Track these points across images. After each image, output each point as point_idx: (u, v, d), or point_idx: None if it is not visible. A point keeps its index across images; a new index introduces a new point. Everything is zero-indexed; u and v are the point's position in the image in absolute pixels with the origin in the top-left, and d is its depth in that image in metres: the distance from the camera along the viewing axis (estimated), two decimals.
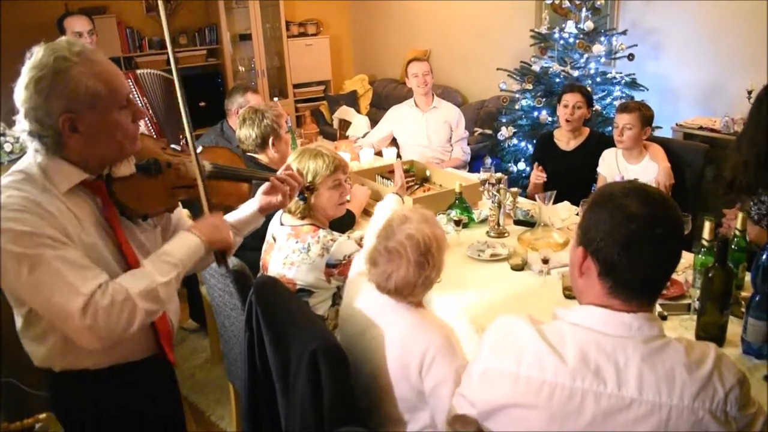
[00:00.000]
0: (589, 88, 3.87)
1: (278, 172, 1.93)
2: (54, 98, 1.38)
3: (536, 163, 3.38)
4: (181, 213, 1.84)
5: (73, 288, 1.34)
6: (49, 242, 1.35)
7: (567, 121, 3.52)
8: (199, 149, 1.83)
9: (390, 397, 1.72)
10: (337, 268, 2.19)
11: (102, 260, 1.46)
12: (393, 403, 1.71)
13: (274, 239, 2.31)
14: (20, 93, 1.41)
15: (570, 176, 3.46)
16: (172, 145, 3.65)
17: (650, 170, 3.19)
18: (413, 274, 1.62)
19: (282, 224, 2.30)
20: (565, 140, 3.64)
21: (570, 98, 3.51)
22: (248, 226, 1.89)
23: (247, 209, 1.87)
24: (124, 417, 1.62)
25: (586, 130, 3.64)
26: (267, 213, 1.91)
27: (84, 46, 1.44)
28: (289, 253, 2.22)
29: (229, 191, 1.80)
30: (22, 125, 1.44)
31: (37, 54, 1.41)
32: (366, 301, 1.80)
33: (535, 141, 4.17)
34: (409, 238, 1.62)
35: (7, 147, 3.07)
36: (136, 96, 3.48)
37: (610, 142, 3.45)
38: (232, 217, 1.85)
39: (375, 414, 1.80)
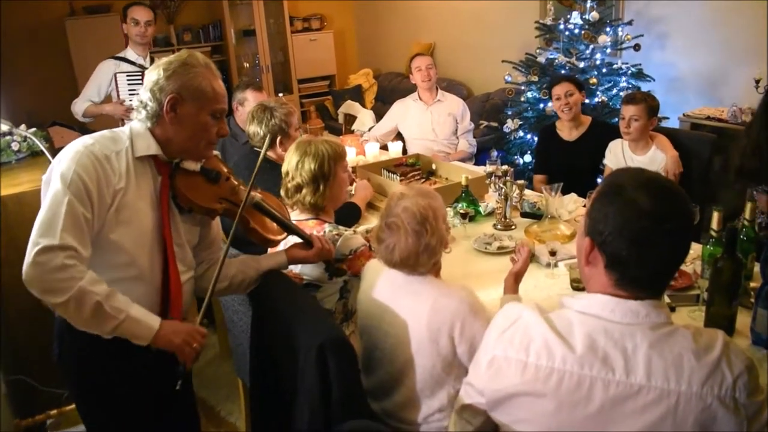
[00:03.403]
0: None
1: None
2: (173, 79, 1.70)
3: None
4: (218, 235, 2.08)
5: (57, 231, 1.52)
6: (81, 194, 1.58)
7: (564, 111, 3.52)
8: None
9: (410, 376, 1.76)
10: (343, 263, 2.19)
11: (135, 220, 1.70)
12: (412, 382, 1.76)
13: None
14: (151, 71, 1.74)
15: (574, 167, 3.45)
16: None
17: (657, 161, 3.18)
18: (413, 243, 1.71)
19: None
20: (567, 131, 3.63)
21: (559, 89, 3.52)
22: (273, 264, 2.08)
23: (278, 258, 2.08)
24: (124, 389, 1.76)
25: (588, 119, 3.63)
26: (293, 264, 2.11)
27: (212, 63, 1.79)
28: None
29: (267, 225, 2.03)
30: (139, 96, 1.76)
31: (178, 53, 1.78)
32: (386, 282, 1.85)
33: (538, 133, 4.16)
34: (405, 211, 1.73)
35: (15, 146, 3.07)
36: None
37: (613, 130, 3.46)
38: (263, 257, 2.08)
39: (391, 399, 1.83)
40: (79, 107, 4.02)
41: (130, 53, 4.05)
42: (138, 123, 1.76)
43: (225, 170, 1.95)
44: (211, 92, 1.74)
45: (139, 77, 3.85)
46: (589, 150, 3.53)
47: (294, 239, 2.12)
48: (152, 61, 4.00)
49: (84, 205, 1.57)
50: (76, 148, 1.64)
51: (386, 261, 1.77)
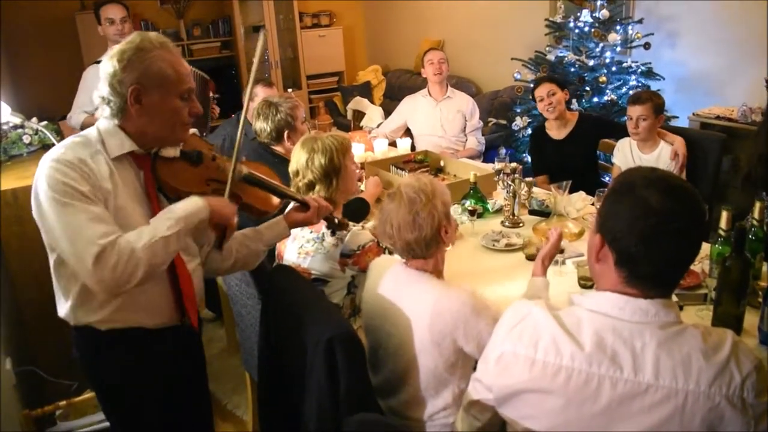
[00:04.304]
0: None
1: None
2: (130, 69, 1.58)
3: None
4: None
5: (90, 237, 1.47)
6: (80, 196, 1.51)
7: (548, 110, 3.53)
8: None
9: (413, 376, 1.77)
10: (351, 258, 2.20)
11: (130, 223, 1.59)
12: (416, 381, 1.77)
13: None
14: (106, 63, 1.62)
15: (568, 165, 3.44)
16: None
17: (664, 158, 3.18)
18: (405, 211, 1.74)
19: None
20: (556, 130, 3.64)
21: (541, 90, 3.53)
22: (277, 238, 2.04)
23: (279, 225, 2.01)
24: (146, 383, 1.75)
25: (575, 116, 3.63)
26: (294, 228, 2.05)
27: (168, 41, 1.67)
28: (304, 243, 2.23)
29: (260, 196, 1.93)
30: (99, 92, 1.64)
31: (129, 38, 1.65)
32: (389, 282, 1.85)
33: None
34: (406, 185, 1.78)
35: (26, 139, 3.10)
36: None
37: (600, 123, 3.55)
38: (264, 228, 2.00)
39: (396, 397, 1.84)
40: (75, 120, 3.88)
41: None
42: (105, 121, 1.66)
43: (207, 149, 1.87)
44: (174, 74, 1.63)
45: None
46: (580, 146, 3.55)
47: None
48: None
49: (91, 202, 1.52)
50: (48, 164, 1.55)
51: (380, 235, 1.82)
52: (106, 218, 1.53)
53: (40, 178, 1.54)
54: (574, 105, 4.35)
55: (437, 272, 1.86)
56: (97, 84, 1.63)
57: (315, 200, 2.03)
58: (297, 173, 2.26)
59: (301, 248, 2.23)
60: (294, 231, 2.28)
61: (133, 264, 1.49)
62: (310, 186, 2.23)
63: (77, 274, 1.56)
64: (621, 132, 3.36)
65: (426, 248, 1.78)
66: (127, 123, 1.65)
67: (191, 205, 1.63)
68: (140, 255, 1.50)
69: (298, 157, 2.26)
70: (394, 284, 1.84)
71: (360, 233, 2.22)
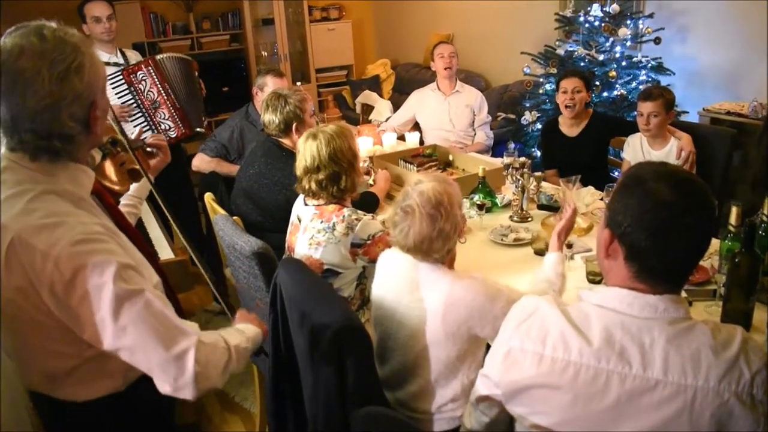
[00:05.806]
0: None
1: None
2: (90, 85, 1.26)
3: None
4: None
5: (180, 328, 1.26)
6: (138, 277, 1.24)
7: (567, 107, 3.50)
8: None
9: (424, 367, 1.78)
10: (362, 248, 2.20)
11: (141, 261, 1.38)
12: (426, 372, 1.78)
13: (299, 220, 2.33)
14: (45, 87, 1.20)
15: (578, 162, 3.42)
16: (198, 128, 3.61)
17: (674, 154, 3.16)
18: (427, 227, 1.70)
19: (306, 204, 2.32)
20: (568, 127, 3.62)
21: (568, 83, 3.49)
22: (145, 191, 1.91)
23: (144, 182, 1.88)
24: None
25: (589, 113, 3.61)
26: (155, 174, 1.93)
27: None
28: (315, 234, 2.23)
29: (147, 162, 1.85)
30: (51, 129, 1.23)
31: (48, 41, 1.23)
32: (400, 272, 1.86)
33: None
34: (420, 195, 1.72)
35: None
36: (157, 82, 3.48)
37: (612, 122, 3.53)
38: (138, 192, 1.89)
39: (404, 389, 1.85)
40: None
41: (100, 55, 3.81)
42: (49, 166, 1.27)
43: None
44: (103, 69, 1.33)
45: (120, 77, 3.51)
46: (591, 144, 3.53)
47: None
48: (124, 56, 3.83)
49: (145, 278, 1.28)
50: (69, 252, 1.17)
51: (400, 245, 1.78)
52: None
53: (73, 274, 1.16)
54: None
55: (450, 261, 1.86)
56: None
57: (158, 138, 1.93)
58: (317, 169, 2.21)
59: (312, 239, 2.23)
60: (304, 222, 2.29)
61: (225, 356, 1.35)
62: (336, 178, 2.21)
63: (151, 378, 1.27)
64: (634, 131, 3.34)
65: (447, 253, 1.79)
66: (83, 149, 1.35)
67: (255, 331, 1.62)
68: (232, 352, 1.39)
69: (317, 152, 2.21)
70: (405, 275, 1.84)
71: (371, 223, 2.22)
